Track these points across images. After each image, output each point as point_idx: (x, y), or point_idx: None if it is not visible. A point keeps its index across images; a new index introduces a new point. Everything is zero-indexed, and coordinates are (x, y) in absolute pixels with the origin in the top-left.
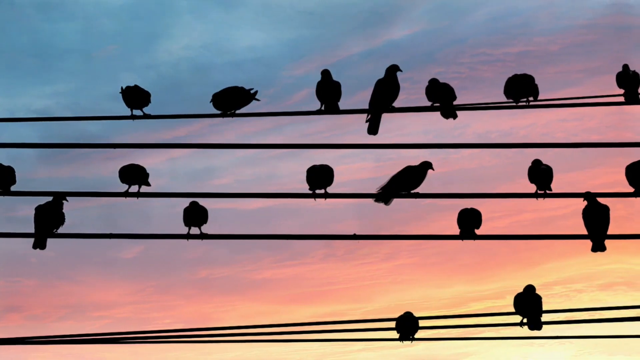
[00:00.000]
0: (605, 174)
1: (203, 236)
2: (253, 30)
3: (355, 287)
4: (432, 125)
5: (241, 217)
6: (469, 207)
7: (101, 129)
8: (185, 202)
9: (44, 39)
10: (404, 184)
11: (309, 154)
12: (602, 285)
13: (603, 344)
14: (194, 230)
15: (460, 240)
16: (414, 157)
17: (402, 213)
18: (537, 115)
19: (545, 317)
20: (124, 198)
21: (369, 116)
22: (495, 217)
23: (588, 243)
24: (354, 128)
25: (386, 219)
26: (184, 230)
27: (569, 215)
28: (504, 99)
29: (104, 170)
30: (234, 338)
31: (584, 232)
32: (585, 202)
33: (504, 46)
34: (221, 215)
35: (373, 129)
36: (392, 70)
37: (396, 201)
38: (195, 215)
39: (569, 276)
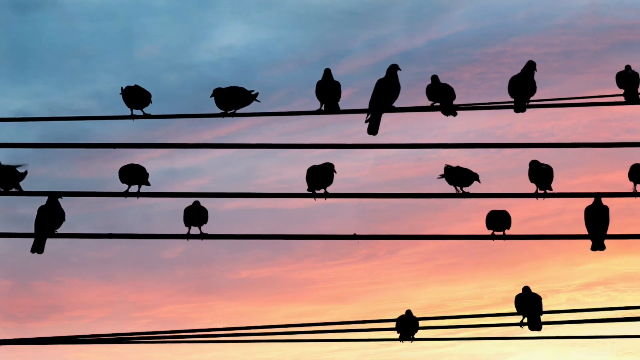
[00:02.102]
0: (585, 173)
1: (203, 236)
2: (231, 30)
3: (333, 287)
4: (409, 126)
5: (219, 217)
6: (498, 209)
7: (77, 129)
8: (169, 202)
9: (21, 39)
10: (464, 176)
11: (286, 154)
12: (580, 285)
13: (580, 343)
14: (194, 230)
15: (439, 241)
16: (392, 157)
17: (380, 213)
18: (515, 116)
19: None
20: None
21: (369, 116)
22: (473, 217)
23: (565, 243)
24: (334, 128)
25: (364, 218)
26: (163, 230)
27: (546, 216)
28: (481, 100)
29: (83, 171)
30: (211, 339)
31: (560, 232)
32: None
33: (482, 46)
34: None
35: (373, 129)
36: (393, 69)
37: (375, 201)
38: (196, 215)
39: (548, 276)
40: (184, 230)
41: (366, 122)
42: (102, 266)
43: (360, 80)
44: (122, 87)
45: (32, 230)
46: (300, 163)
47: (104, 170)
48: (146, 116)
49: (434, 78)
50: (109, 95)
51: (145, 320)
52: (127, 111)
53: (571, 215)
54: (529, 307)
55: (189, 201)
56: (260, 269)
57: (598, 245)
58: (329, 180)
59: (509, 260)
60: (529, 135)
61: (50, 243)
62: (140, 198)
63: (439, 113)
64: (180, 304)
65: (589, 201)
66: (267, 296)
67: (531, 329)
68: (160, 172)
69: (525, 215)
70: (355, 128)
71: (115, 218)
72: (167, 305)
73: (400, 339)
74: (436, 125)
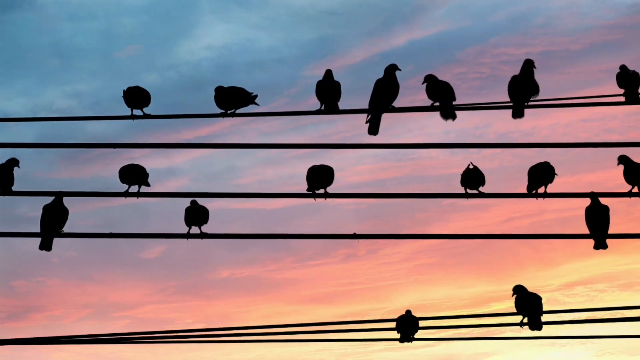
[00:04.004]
0: (564, 173)
1: (203, 235)
2: (211, 30)
3: (312, 287)
4: (388, 126)
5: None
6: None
7: (56, 129)
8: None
9: (0, 39)
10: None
11: (265, 154)
12: (560, 285)
13: (560, 343)
14: (194, 230)
15: (417, 240)
16: (371, 157)
17: (360, 213)
18: (494, 117)
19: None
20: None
21: (369, 117)
22: (452, 217)
23: (545, 243)
24: (313, 129)
25: (345, 218)
26: (144, 229)
27: (526, 216)
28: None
29: (64, 171)
30: (190, 339)
31: (539, 232)
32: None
33: (462, 46)
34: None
35: (373, 130)
36: (391, 69)
37: (354, 201)
38: (197, 215)
39: (528, 276)
40: (169, 229)
41: (366, 122)
42: (82, 266)
43: (340, 79)
44: (124, 90)
45: (11, 230)
46: (280, 163)
47: (84, 169)
48: (146, 116)
49: (431, 77)
50: (89, 94)
51: (125, 320)
52: (116, 111)
53: (551, 216)
54: (529, 307)
55: (171, 202)
56: (240, 269)
57: (600, 244)
58: (330, 180)
59: (489, 260)
60: (508, 135)
61: (30, 242)
62: (126, 198)
63: (416, 114)
64: (160, 304)
65: (572, 201)
66: (246, 296)
67: (532, 328)
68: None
69: (505, 215)
70: (334, 128)
71: (95, 218)
72: (146, 305)
73: (401, 340)
74: (416, 126)
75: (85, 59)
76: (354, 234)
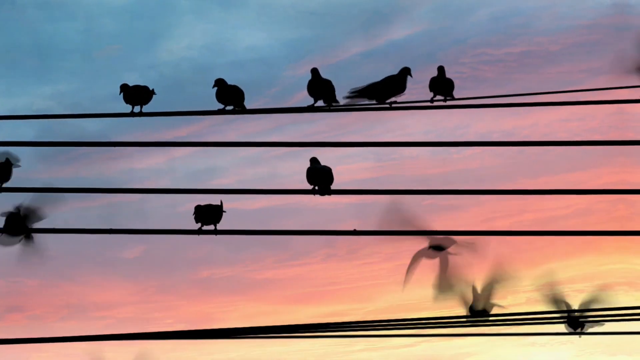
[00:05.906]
0: (546, 173)
1: (216, 232)
2: (191, 30)
3: (294, 287)
4: (369, 126)
5: (177, 216)
6: None
7: (38, 129)
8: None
9: None
10: None
11: (246, 154)
12: (541, 285)
13: (540, 343)
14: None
15: (398, 240)
16: (352, 157)
17: (338, 213)
18: (476, 116)
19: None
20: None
21: (355, 96)
22: (435, 217)
23: (526, 243)
24: (295, 128)
25: (324, 219)
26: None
27: (507, 216)
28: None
29: (43, 172)
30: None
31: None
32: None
33: (442, 47)
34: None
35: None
36: (404, 72)
37: (337, 200)
38: (209, 213)
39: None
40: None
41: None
42: (62, 266)
43: None
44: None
45: None
46: (260, 163)
47: (64, 169)
48: (143, 114)
49: (442, 70)
50: (69, 94)
51: (105, 320)
52: (98, 110)
53: (532, 215)
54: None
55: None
56: (221, 269)
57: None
58: (331, 179)
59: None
60: (489, 135)
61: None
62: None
63: (399, 113)
64: (140, 304)
65: (553, 201)
66: (227, 296)
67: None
68: (122, 172)
69: (485, 215)
70: (314, 128)
71: (74, 218)
72: (127, 305)
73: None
74: (398, 126)
75: (65, 59)
76: (354, 230)
